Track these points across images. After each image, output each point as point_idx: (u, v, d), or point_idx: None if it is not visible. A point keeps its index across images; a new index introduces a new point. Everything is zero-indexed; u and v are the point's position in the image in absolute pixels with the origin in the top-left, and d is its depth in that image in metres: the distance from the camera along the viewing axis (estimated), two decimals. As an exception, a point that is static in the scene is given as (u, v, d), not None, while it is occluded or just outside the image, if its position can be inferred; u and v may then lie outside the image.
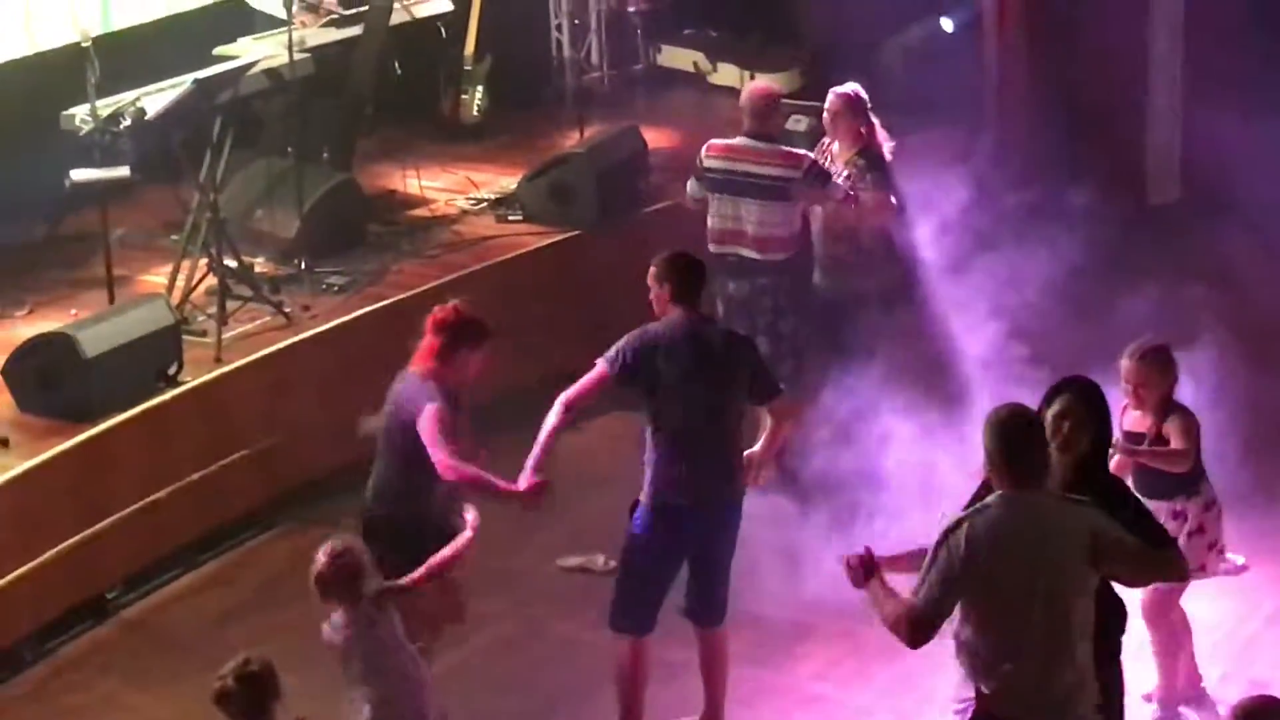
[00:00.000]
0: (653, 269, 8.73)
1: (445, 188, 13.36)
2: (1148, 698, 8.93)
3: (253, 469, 10.72)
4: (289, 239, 11.91)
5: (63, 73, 11.61)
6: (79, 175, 11.03)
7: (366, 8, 12.78)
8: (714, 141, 10.88)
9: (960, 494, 7.37)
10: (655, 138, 13.84)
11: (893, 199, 10.97)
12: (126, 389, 10.28)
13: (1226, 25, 14.27)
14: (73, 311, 11.12)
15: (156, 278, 11.67)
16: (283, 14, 11.96)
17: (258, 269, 11.68)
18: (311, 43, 12.39)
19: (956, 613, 6.91)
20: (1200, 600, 9.73)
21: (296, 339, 11.07)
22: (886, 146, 11.10)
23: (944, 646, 7.64)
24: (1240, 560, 10.12)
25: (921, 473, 9.86)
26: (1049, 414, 7.32)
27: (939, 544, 6.83)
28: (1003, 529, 6.85)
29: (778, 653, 9.54)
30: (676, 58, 15.77)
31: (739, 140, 10.80)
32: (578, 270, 12.32)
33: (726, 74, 15.46)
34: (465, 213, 12.98)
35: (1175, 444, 8.53)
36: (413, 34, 13.15)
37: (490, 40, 14.47)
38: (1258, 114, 13.21)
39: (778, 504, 10.12)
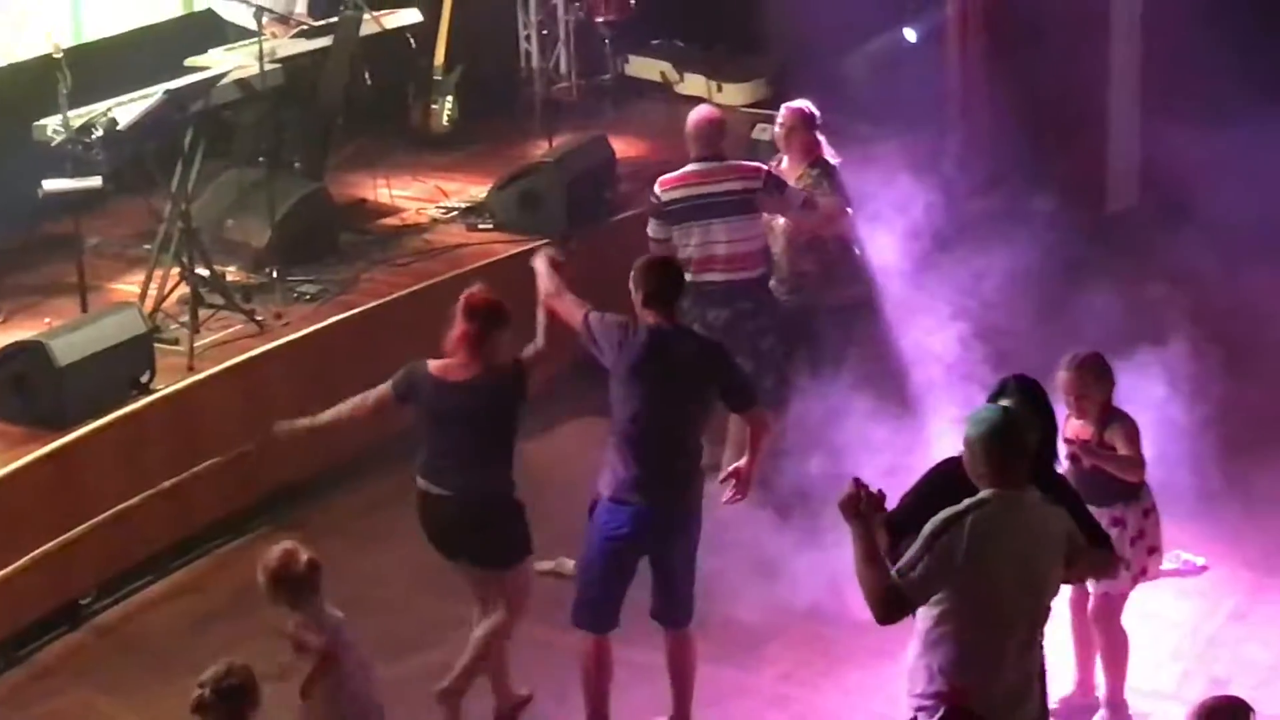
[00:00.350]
0: (631, 274, 8.70)
1: (416, 196, 13.35)
2: (1073, 698, 8.91)
3: (225, 476, 10.68)
4: (261, 248, 11.87)
5: (35, 84, 11.57)
6: (51, 185, 10.95)
7: (336, 19, 12.73)
8: (665, 177, 10.75)
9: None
10: (623, 147, 13.84)
11: (848, 207, 10.92)
12: (99, 397, 10.22)
13: (1184, 37, 14.28)
14: (46, 320, 11.05)
15: (129, 286, 11.63)
16: (253, 25, 11.90)
17: (230, 278, 11.64)
18: (282, 53, 12.33)
19: (924, 612, 6.88)
20: (1162, 600, 9.79)
21: (268, 347, 11.02)
22: (829, 163, 11.04)
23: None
24: (1201, 561, 10.18)
25: (892, 478, 9.81)
26: None
27: (937, 533, 6.79)
28: (1003, 526, 6.87)
29: (747, 654, 9.52)
30: (644, 68, 15.77)
31: (691, 167, 10.70)
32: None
33: (693, 84, 15.47)
34: (436, 221, 12.97)
35: (1122, 450, 8.53)
36: (383, 45, 13.08)
37: (460, 51, 14.48)
38: (1214, 124, 13.24)
39: (750, 508, 10.07)
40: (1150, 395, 10.14)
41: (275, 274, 11.70)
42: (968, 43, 14.25)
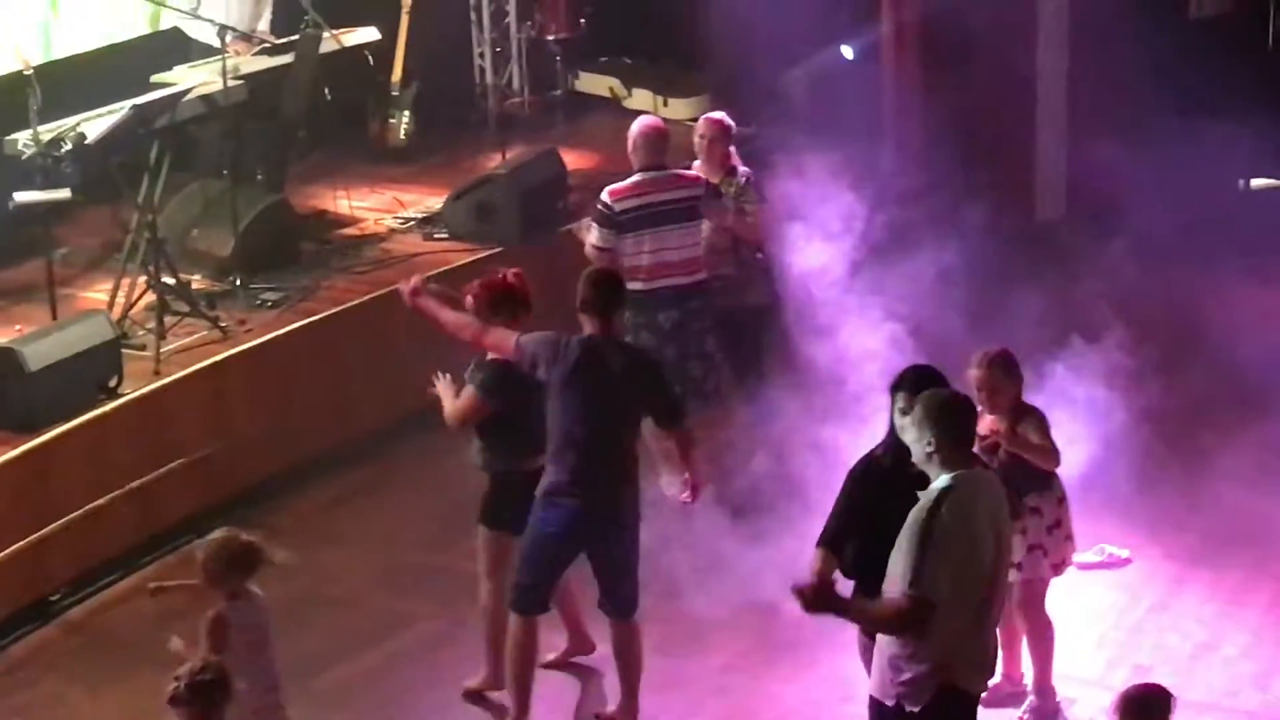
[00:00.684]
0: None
1: (374, 207, 13.35)
2: (1001, 687, 8.90)
3: (191, 477, 10.67)
4: (225, 257, 11.87)
5: (5, 99, 11.54)
6: (22, 197, 10.97)
7: (297, 37, 12.74)
8: (613, 187, 10.62)
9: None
10: (574, 159, 13.86)
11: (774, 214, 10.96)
12: (69, 401, 10.22)
13: (1108, 56, 14.39)
14: (17, 327, 11.03)
15: (97, 294, 11.62)
16: (217, 43, 11.92)
17: (195, 286, 11.62)
18: (245, 70, 12.34)
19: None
20: (1087, 591, 9.86)
21: (232, 352, 11.02)
22: (743, 172, 11.08)
23: (849, 635, 7.74)
24: (1125, 553, 10.25)
25: (833, 474, 9.88)
26: (897, 408, 7.39)
27: (925, 535, 6.81)
28: (974, 505, 6.96)
29: (691, 644, 9.54)
30: (593, 83, 15.80)
31: (639, 177, 10.63)
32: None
33: (641, 99, 15.50)
34: (393, 231, 12.97)
35: (1036, 441, 8.54)
36: (342, 62, 13.09)
37: (416, 67, 14.47)
38: (1138, 138, 13.34)
39: (701, 505, 10.12)
40: (1076, 395, 10.22)
41: (239, 282, 11.71)
42: (902, 60, 14.31)
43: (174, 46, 12.99)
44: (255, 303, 11.61)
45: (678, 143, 11.60)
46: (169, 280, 11.24)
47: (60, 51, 12.72)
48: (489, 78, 15.43)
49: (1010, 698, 8.93)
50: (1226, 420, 11.74)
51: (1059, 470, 8.74)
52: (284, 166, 13.03)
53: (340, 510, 11.00)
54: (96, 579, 10.29)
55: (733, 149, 11.12)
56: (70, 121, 11.21)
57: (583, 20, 15.45)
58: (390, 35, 14.06)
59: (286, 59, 12.68)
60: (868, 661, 7.47)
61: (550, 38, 15.43)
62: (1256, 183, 15.28)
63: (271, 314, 11.51)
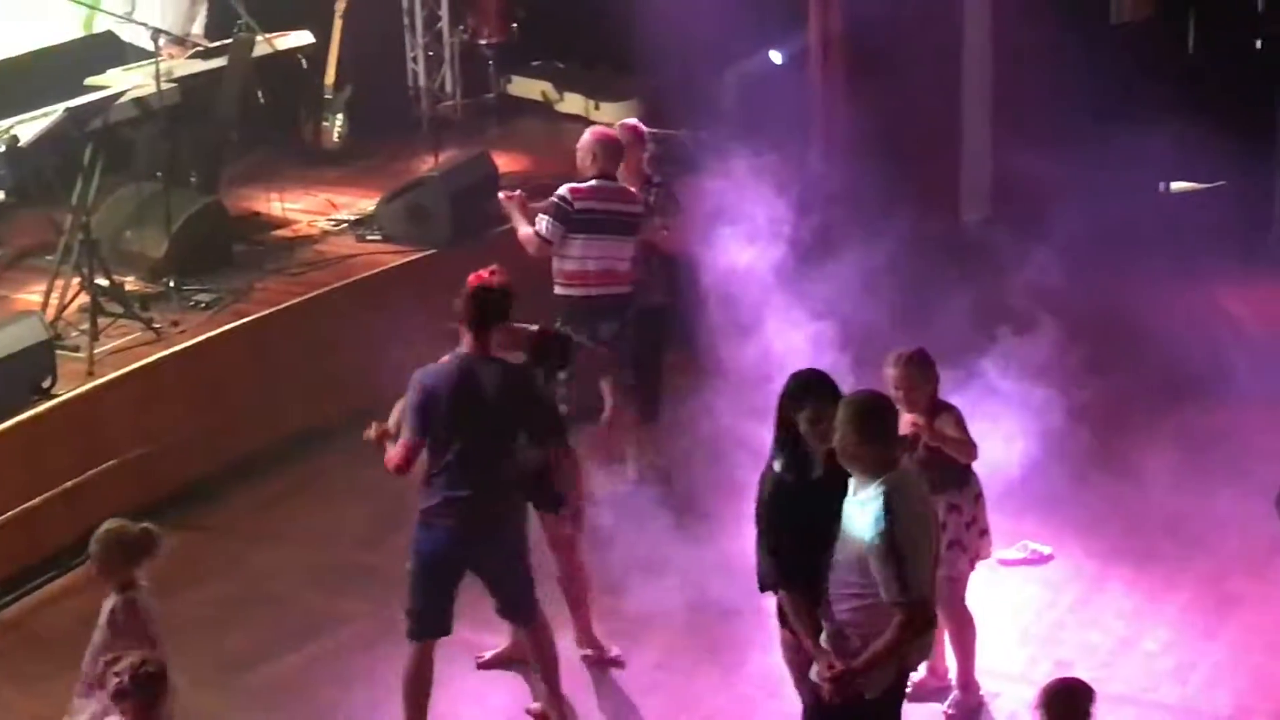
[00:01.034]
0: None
1: (307, 209, 13.31)
2: (926, 681, 8.95)
3: (124, 477, 10.60)
4: (158, 258, 11.82)
5: (-61, 103, 11.47)
6: (-45, 200, 10.90)
7: (231, 40, 12.69)
8: (576, 185, 10.50)
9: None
10: (505, 162, 13.86)
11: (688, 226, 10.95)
12: (2, 402, 10.15)
13: (1033, 59, 14.45)
14: (-49, 329, 10.95)
15: (31, 296, 11.56)
16: (151, 46, 11.87)
17: (128, 287, 11.56)
18: (178, 73, 12.28)
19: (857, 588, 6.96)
20: (1010, 588, 9.88)
21: (165, 353, 10.97)
22: (658, 183, 11.01)
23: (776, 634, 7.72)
24: (1047, 550, 10.27)
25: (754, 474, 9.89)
26: (801, 415, 7.30)
27: (894, 541, 6.83)
28: (913, 496, 7.03)
29: (625, 641, 9.51)
30: (525, 87, 15.80)
31: (597, 182, 10.50)
32: (433, 287, 12.25)
33: (572, 102, 15.52)
34: (326, 233, 12.94)
35: (954, 434, 8.54)
36: (275, 65, 13.06)
37: (349, 71, 14.45)
38: (1061, 140, 13.41)
39: (638, 506, 10.13)
40: (1000, 394, 10.26)
41: (172, 283, 11.66)
42: (828, 65, 14.32)
43: (108, 50, 12.92)
44: (188, 304, 11.55)
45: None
46: (102, 282, 11.18)
47: (-7, 55, 12.65)
48: (422, 81, 15.41)
49: (935, 692, 8.95)
50: (1148, 419, 11.82)
51: (976, 467, 8.76)
52: (217, 169, 12.98)
53: (272, 510, 10.95)
54: (31, 578, 10.21)
55: (645, 155, 11.06)
56: (4, 124, 11.18)
57: (515, 25, 15.45)
58: (324, 39, 14.04)
59: (220, 62, 12.63)
60: (790, 659, 7.45)
61: (483, 42, 15.42)
62: (1176, 185, 15.37)
63: (204, 315, 11.45)
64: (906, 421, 8.50)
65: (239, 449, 11.17)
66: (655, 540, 9.80)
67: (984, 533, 8.78)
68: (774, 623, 7.62)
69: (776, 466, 7.36)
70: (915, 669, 7.36)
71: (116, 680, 6.94)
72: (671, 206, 10.92)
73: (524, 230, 10.53)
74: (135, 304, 11.30)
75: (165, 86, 11.86)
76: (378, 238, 12.72)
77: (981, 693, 8.92)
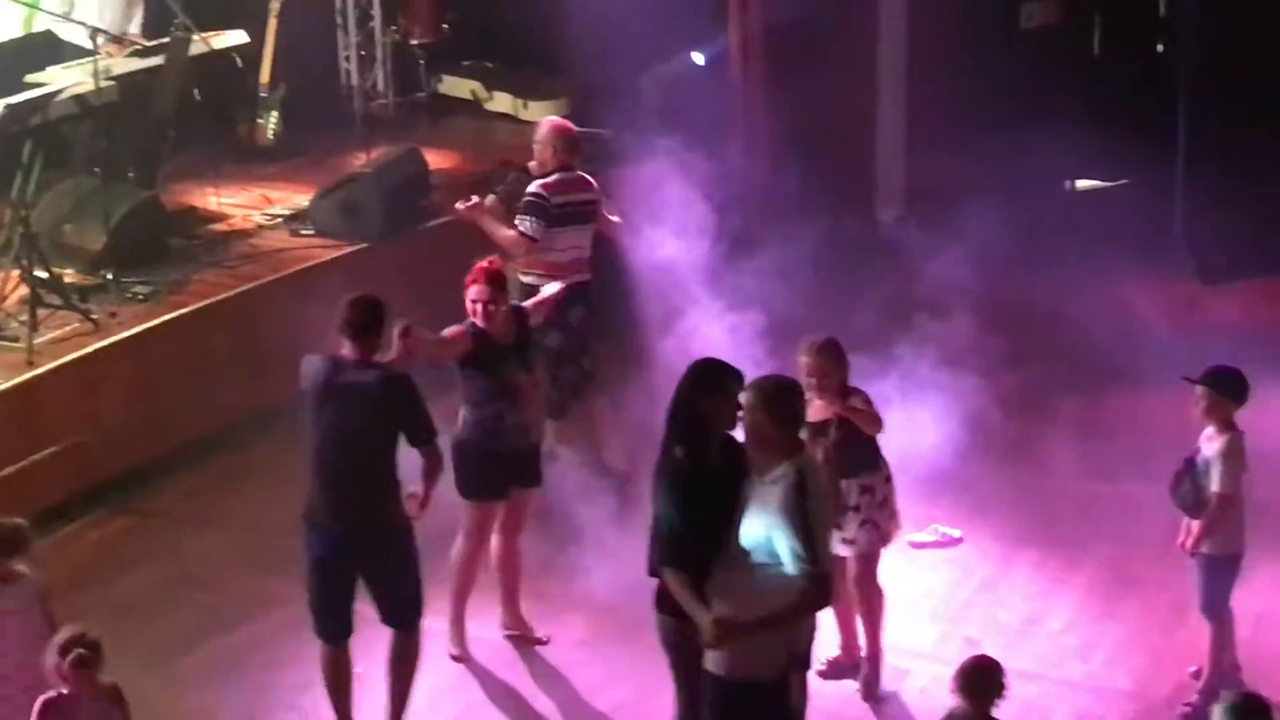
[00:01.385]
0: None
1: (243, 204, 13.26)
2: (840, 659, 9.06)
3: (64, 464, 10.55)
4: (96, 251, 11.75)
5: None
6: (-105, 193, 10.82)
7: (168, 40, 12.63)
8: (544, 181, 10.45)
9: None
10: (436, 159, 13.84)
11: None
12: (-57, 390, 10.09)
13: (946, 62, 14.55)
14: (-109, 321, 10.90)
15: (-28, 288, 11.47)
16: (89, 44, 11.81)
17: (67, 279, 11.48)
18: (116, 71, 12.21)
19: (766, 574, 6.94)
20: (921, 569, 9.96)
21: (104, 344, 10.91)
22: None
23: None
24: (957, 533, 10.35)
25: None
26: (708, 401, 7.26)
27: (805, 512, 6.84)
28: (819, 481, 7.06)
29: (548, 622, 9.55)
30: (456, 86, 15.78)
31: (563, 175, 10.49)
32: (365, 280, 12.23)
33: (501, 101, 15.52)
34: (261, 227, 12.89)
35: (863, 407, 8.57)
36: (211, 63, 12.99)
37: (284, 69, 14.40)
38: (973, 140, 13.49)
39: (571, 490, 10.17)
40: (913, 384, 10.35)
41: (110, 276, 11.60)
42: (748, 66, 14.37)
43: (47, 48, 12.84)
44: (126, 296, 11.50)
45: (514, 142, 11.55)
46: (42, 274, 11.11)
47: (-67, 52, 12.55)
48: (354, 80, 15.37)
49: (848, 670, 9.03)
50: (1056, 408, 11.93)
51: (889, 453, 8.83)
52: (154, 164, 12.91)
53: (207, 496, 10.94)
54: (-30, 563, 10.16)
55: None
56: (-56, 121, 11.08)
57: (446, 25, 15.43)
58: (258, 38, 13.98)
59: (157, 60, 12.57)
60: (666, 641, 7.41)
61: (414, 42, 15.40)
62: (1082, 184, 15.51)
63: (142, 307, 11.40)
64: (819, 408, 8.58)
65: (175, 437, 11.15)
66: (579, 524, 9.84)
67: (894, 514, 8.84)
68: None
69: (677, 452, 7.33)
70: (807, 656, 7.29)
71: (78, 654, 7.00)
72: (606, 200, 10.95)
73: (503, 233, 10.47)
74: (74, 296, 11.23)
75: (103, 84, 11.79)
76: (311, 232, 12.68)
77: (893, 670, 8.97)
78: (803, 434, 7.55)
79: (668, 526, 7.24)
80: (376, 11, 15.33)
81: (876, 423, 8.59)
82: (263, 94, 14.32)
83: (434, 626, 8.93)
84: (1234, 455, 8.44)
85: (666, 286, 11.07)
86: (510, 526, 9.24)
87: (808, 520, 6.85)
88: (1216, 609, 8.62)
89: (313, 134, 14.67)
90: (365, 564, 8.24)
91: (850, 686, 8.95)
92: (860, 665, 9.02)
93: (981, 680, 7.27)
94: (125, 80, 12.25)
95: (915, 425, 10.23)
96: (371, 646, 8.50)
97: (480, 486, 8.96)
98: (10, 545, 7.67)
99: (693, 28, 14.44)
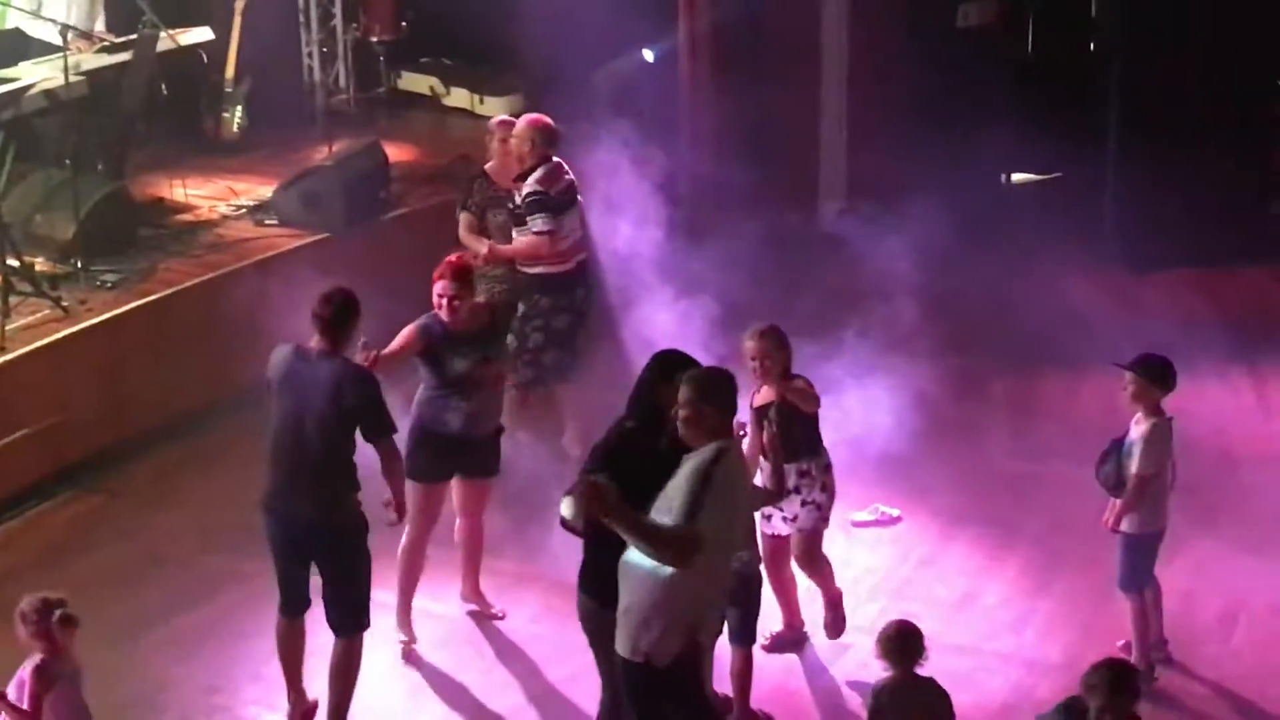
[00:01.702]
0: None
1: (208, 195, 13.21)
2: (783, 634, 9.07)
3: (35, 446, 10.51)
4: (67, 241, 11.69)
5: None
6: None
7: (136, 36, 12.57)
8: (537, 176, 10.34)
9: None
10: (395, 152, 13.82)
11: None
12: (-83, 375, 10.03)
13: (886, 60, 14.59)
14: None
15: (-55, 276, 11.40)
16: (59, 41, 11.74)
17: (38, 268, 11.42)
18: (86, 67, 12.15)
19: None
20: (861, 548, 9.99)
21: (73, 330, 10.86)
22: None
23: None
24: (896, 512, 10.38)
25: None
26: (667, 390, 7.22)
27: (703, 481, 6.73)
28: (737, 472, 6.99)
29: (504, 596, 9.55)
30: (414, 82, 15.76)
31: (546, 167, 10.40)
32: (326, 269, 12.20)
33: (458, 97, 15.51)
34: (226, 218, 12.83)
35: (802, 387, 8.54)
36: (178, 59, 12.95)
37: (248, 66, 14.37)
38: (912, 134, 13.54)
39: (527, 469, 10.17)
40: (855, 369, 10.37)
41: (79, 264, 11.54)
42: (696, 64, 14.36)
43: (17, 45, 12.76)
44: (95, 284, 11.45)
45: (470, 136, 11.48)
46: (13, 262, 11.05)
47: (-93, 48, 12.45)
48: (316, 76, 15.34)
49: (792, 644, 9.06)
50: (991, 392, 11.99)
51: (830, 437, 8.85)
52: (123, 157, 12.85)
53: (173, 477, 10.91)
54: (-55, 542, 10.14)
55: None
56: (-83, 115, 11.01)
57: (405, 23, 15.41)
58: (224, 35, 13.95)
59: (125, 56, 12.51)
60: (582, 619, 7.41)
61: (374, 39, 15.38)
62: (1017, 177, 15.56)
63: (110, 294, 11.35)
64: (765, 394, 8.59)
65: (142, 420, 11.11)
66: (537, 504, 9.83)
67: (832, 498, 8.80)
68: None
69: (627, 424, 7.35)
70: (708, 646, 7.22)
71: (61, 613, 7.10)
72: None
73: (523, 245, 10.42)
74: (45, 283, 11.18)
75: (74, 79, 11.72)
76: (275, 222, 12.63)
77: (828, 642, 9.02)
78: (742, 419, 7.62)
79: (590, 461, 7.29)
80: (338, 10, 15.31)
81: (811, 401, 8.56)
82: (228, 89, 14.29)
83: (389, 601, 8.94)
84: (1155, 440, 8.48)
85: (619, 274, 11.06)
86: (469, 509, 9.21)
87: (700, 490, 6.70)
88: (1135, 585, 8.67)
89: (276, 128, 14.63)
90: (315, 556, 8.17)
91: (794, 660, 8.98)
92: (804, 640, 9.07)
93: (906, 643, 7.39)
94: (94, 75, 12.20)
95: (857, 408, 10.26)
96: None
97: (419, 467, 8.74)
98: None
99: (643, 26, 14.43)
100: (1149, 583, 8.70)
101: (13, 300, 10.88)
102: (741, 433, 7.82)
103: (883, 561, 9.92)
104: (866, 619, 9.25)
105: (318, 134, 14.35)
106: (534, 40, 14.69)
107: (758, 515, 8.43)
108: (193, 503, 10.58)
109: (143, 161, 13.32)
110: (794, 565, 8.96)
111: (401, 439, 8.41)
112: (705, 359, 9.22)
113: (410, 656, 9.04)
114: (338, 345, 8.04)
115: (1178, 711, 8.55)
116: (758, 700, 8.50)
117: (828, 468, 8.76)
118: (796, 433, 8.44)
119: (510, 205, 10.51)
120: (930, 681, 7.42)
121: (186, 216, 12.85)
